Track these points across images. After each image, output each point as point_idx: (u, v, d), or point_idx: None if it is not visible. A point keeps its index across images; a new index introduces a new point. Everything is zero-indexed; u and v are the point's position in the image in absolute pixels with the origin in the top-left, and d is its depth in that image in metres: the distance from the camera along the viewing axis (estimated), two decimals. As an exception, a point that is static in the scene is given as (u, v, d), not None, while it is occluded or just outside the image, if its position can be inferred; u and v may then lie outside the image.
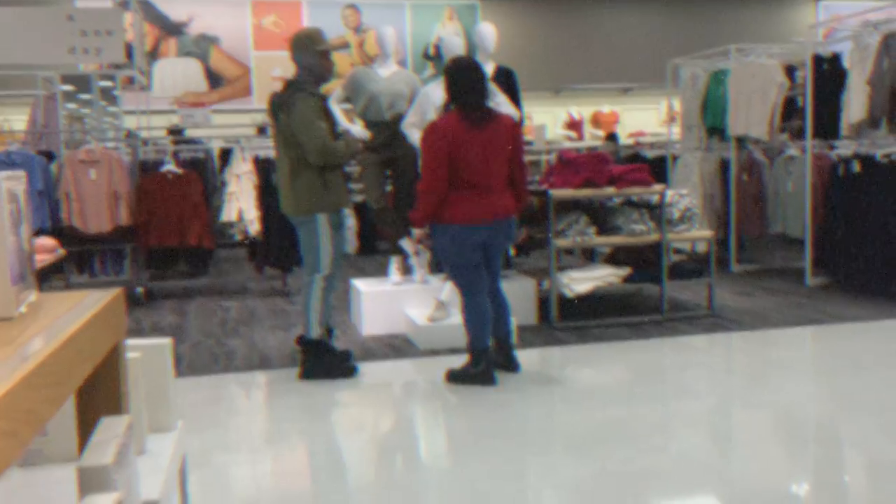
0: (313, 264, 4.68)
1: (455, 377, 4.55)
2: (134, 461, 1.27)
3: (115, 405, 1.37)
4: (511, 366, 4.70)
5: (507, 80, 5.95)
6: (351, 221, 10.28)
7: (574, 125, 13.23)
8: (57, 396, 0.92)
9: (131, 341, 1.75)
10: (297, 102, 4.52)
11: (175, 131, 9.30)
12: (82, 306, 1.19)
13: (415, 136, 5.60)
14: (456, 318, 5.24)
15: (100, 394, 1.37)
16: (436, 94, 5.49)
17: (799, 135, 7.77)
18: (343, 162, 4.66)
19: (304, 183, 4.58)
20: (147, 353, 1.77)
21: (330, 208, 4.63)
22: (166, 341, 1.87)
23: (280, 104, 4.61)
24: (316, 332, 4.73)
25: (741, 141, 8.21)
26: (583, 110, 13.33)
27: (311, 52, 4.64)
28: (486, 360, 4.49)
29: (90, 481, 1.06)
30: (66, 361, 0.96)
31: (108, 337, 1.24)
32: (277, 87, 5.17)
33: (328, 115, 4.66)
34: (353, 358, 4.96)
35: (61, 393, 0.94)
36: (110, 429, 1.20)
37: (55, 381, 0.91)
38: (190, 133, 9.64)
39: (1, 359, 0.88)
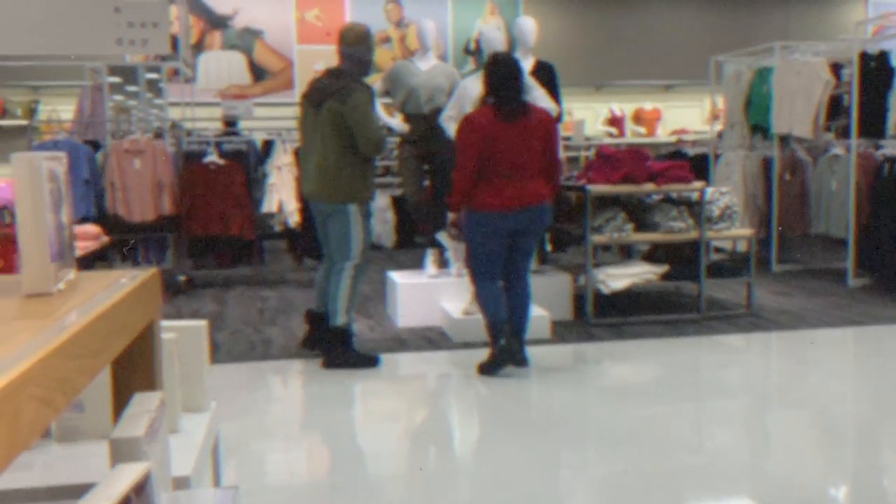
0: (344, 252, 4.73)
1: (486, 369, 4.57)
2: (166, 436, 1.30)
3: (150, 383, 1.41)
4: (520, 359, 4.59)
5: (546, 74, 5.94)
6: (389, 215, 10.33)
7: (615, 121, 13.12)
8: (91, 367, 0.95)
9: (168, 323, 1.79)
10: (354, 93, 4.58)
11: (231, 123, 9.41)
12: (119, 284, 1.23)
13: (453, 129, 5.61)
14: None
15: (134, 372, 1.40)
16: (474, 87, 5.49)
17: (844, 134, 7.64)
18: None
19: (349, 172, 4.66)
20: (183, 335, 1.81)
21: (365, 198, 4.76)
22: (202, 323, 1.91)
23: (328, 91, 4.64)
24: (342, 319, 4.77)
25: (785, 139, 8.09)
26: (624, 107, 13.21)
27: (366, 48, 4.75)
28: (506, 334, 4.51)
29: (122, 452, 1.09)
30: (101, 334, 0.99)
31: (143, 314, 1.28)
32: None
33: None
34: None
35: (95, 364, 0.97)
36: (143, 404, 1.24)
37: (89, 353, 0.94)
38: (240, 125, 9.72)
39: (38, 329, 0.91)
